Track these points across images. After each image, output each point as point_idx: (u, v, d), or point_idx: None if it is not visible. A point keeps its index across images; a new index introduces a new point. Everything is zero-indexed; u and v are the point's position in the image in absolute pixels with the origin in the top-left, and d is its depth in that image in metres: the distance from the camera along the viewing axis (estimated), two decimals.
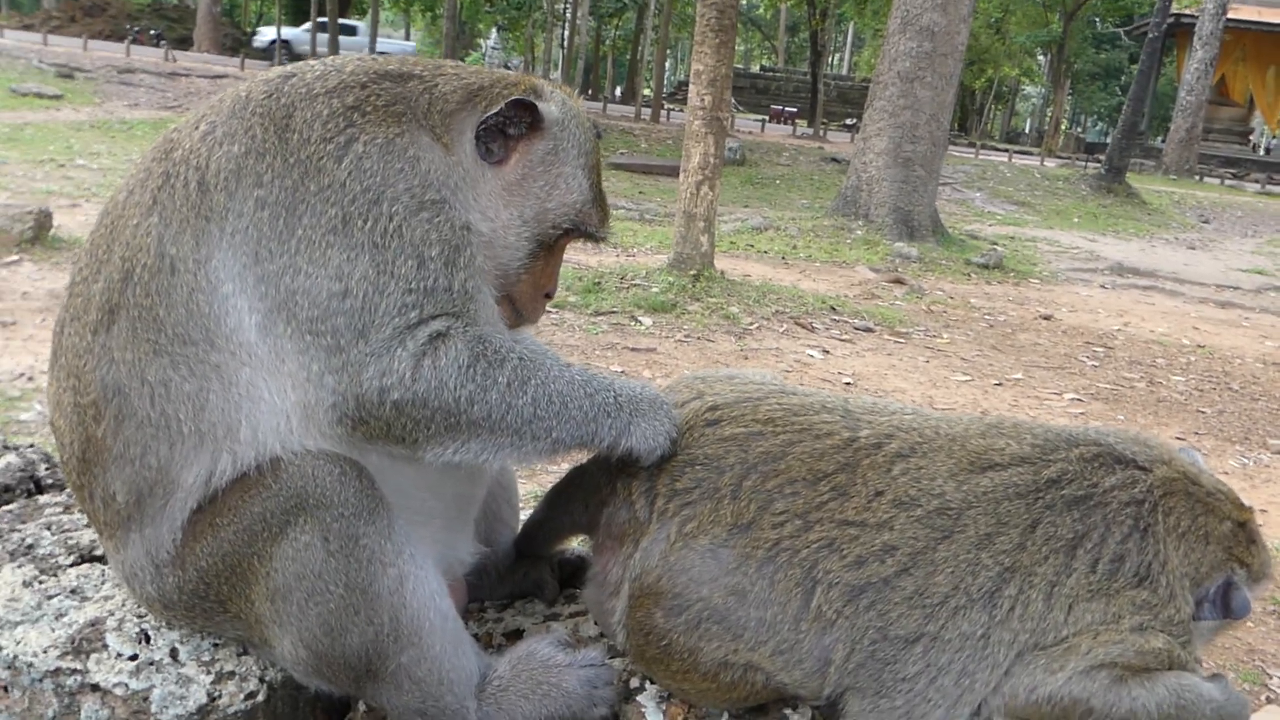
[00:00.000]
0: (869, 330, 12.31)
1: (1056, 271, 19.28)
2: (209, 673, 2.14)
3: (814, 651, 1.98)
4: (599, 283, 12.39)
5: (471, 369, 1.91)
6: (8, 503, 2.76)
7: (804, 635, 1.97)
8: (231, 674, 2.15)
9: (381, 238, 1.89)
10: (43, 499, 2.78)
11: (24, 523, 2.62)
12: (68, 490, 2.69)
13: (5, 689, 2.14)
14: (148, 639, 2.18)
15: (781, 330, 11.59)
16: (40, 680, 2.11)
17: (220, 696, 2.11)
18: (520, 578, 2.53)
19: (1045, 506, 2.07)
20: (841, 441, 2.11)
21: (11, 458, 2.95)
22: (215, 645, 2.19)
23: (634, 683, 2.17)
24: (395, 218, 1.90)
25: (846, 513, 2.02)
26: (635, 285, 12.54)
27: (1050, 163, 41.00)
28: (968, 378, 10.45)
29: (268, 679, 2.16)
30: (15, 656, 2.13)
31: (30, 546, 2.49)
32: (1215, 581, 2.17)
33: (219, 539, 1.95)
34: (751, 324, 11.61)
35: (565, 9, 52.60)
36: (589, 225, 2.22)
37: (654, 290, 12.27)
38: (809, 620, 1.97)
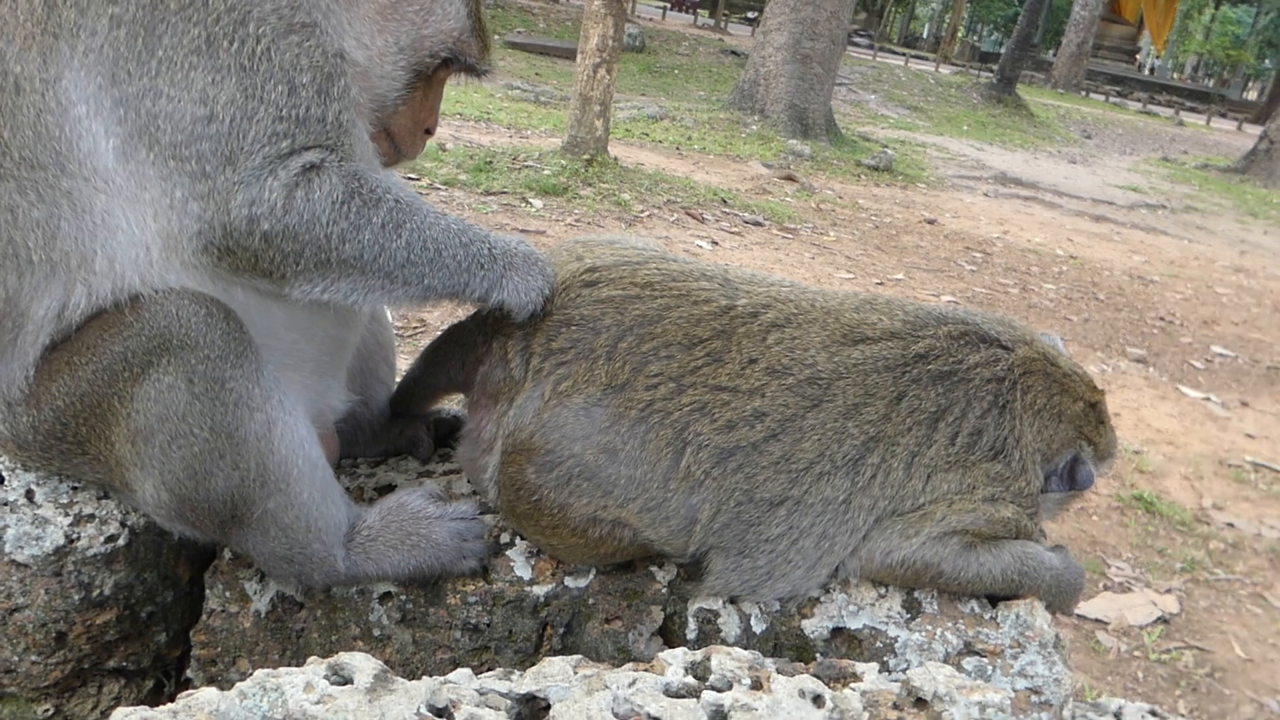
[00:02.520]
0: (758, 224, 12.39)
1: (943, 178, 19.64)
2: (67, 515, 2.09)
3: (681, 510, 2.01)
4: (490, 162, 12.13)
5: (346, 205, 1.85)
6: None
7: (672, 494, 2.00)
8: (91, 517, 2.10)
9: (249, 60, 1.78)
10: None
11: None
12: None
13: None
14: (1, 480, 2.11)
15: (672, 220, 11.57)
16: None
17: (78, 539, 2.06)
18: (395, 435, 2.51)
19: (911, 380, 2.13)
20: (719, 309, 2.12)
21: None
22: (74, 488, 2.13)
23: (504, 538, 2.19)
24: (263, 39, 1.79)
25: (719, 378, 2.04)
26: (527, 167, 12.33)
27: (945, 69, 41.38)
28: (851, 275, 10.65)
29: (129, 523, 2.11)
30: None
31: None
32: (1064, 457, 2.27)
33: (76, 378, 1.87)
34: (643, 212, 11.57)
35: None
36: (468, 55, 2.13)
37: (546, 173, 12.09)
38: (678, 479, 2.00)
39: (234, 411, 1.86)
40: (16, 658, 2.07)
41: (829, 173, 17.35)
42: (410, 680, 1.64)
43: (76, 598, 2.05)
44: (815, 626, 2.08)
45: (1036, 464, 2.22)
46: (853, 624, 2.08)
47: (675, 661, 1.71)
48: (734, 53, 32.14)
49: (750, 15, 47.80)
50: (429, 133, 2.19)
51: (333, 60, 1.88)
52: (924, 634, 2.04)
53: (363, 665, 1.61)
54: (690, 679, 1.68)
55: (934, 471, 2.11)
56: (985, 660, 2.01)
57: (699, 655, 1.74)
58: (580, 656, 1.71)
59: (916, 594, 2.15)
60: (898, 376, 2.12)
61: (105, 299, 1.85)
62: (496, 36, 28.17)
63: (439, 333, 2.45)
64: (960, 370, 2.16)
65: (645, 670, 1.68)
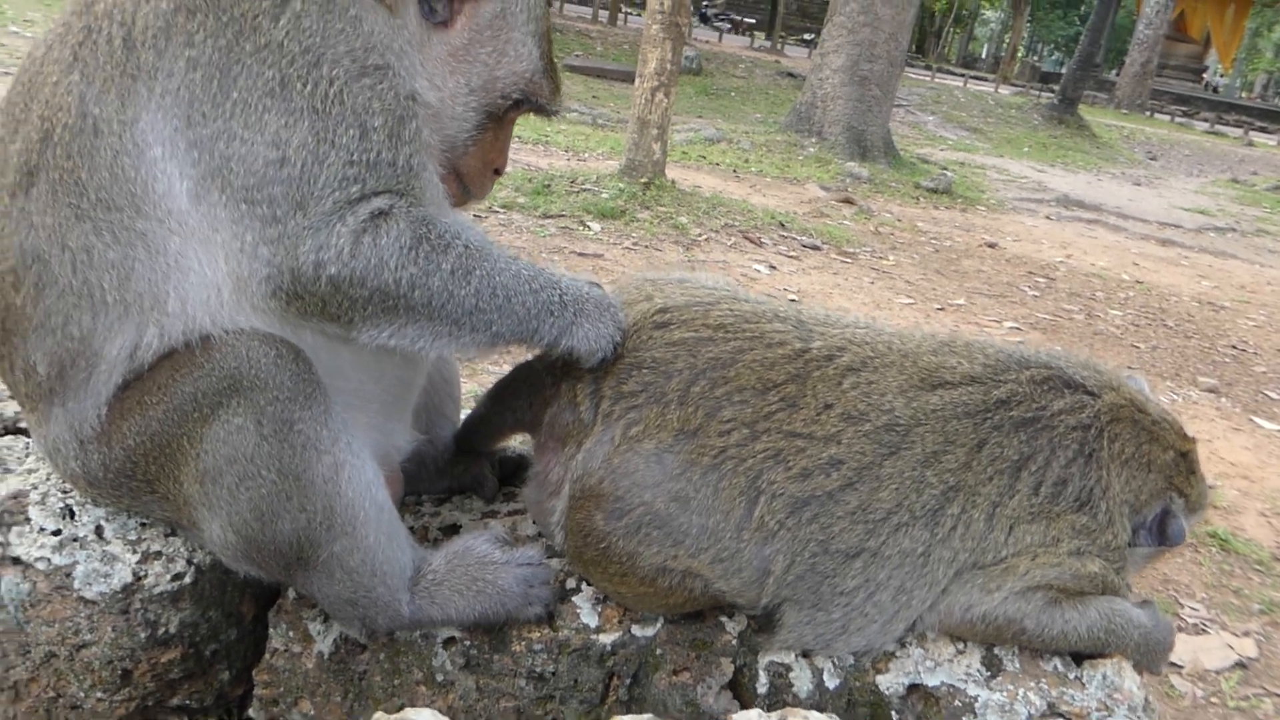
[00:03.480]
0: (816, 248, 12.30)
1: (1004, 200, 19.39)
2: (135, 552, 2.09)
3: (754, 561, 1.96)
4: (548, 185, 12.17)
5: (414, 251, 1.83)
6: None
7: (745, 544, 1.95)
8: (158, 554, 2.10)
9: (322, 103, 1.79)
10: None
11: None
12: None
13: None
14: (72, 515, 2.12)
15: (729, 243, 11.52)
16: None
17: (146, 576, 2.06)
18: (459, 473, 2.49)
19: (993, 427, 2.06)
20: (793, 351, 2.07)
21: None
22: (142, 525, 2.14)
23: (571, 584, 2.15)
24: (336, 82, 1.80)
25: (794, 424, 1.99)
26: (585, 190, 12.35)
27: (1005, 90, 40.94)
28: (911, 300, 10.52)
29: (195, 561, 2.11)
30: None
31: None
32: (1154, 509, 2.18)
33: (147, 417, 1.88)
34: (700, 235, 11.53)
35: None
36: (539, 96, 2.13)
37: (604, 196, 12.10)
38: (751, 529, 1.95)
39: (302, 454, 1.85)
40: (83, 694, 2.07)
41: (887, 195, 17.20)
42: None
43: (143, 635, 2.05)
44: (890, 682, 2.01)
45: (1124, 516, 2.13)
46: (930, 681, 2.01)
47: None
48: (791, 75, 32.09)
49: (807, 37, 47.73)
50: (498, 173, 2.19)
51: (405, 103, 1.87)
52: (1005, 694, 1.97)
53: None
54: None
55: (1017, 523, 2.03)
56: None
57: (774, 718, 1.68)
58: (650, 716, 1.66)
59: (997, 650, 2.07)
60: (978, 423, 2.05)
61: (177, 339, 1.86)
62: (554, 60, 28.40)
63: (506, 370, 2.43)
64: (1044, 417, 2.09)
65: None
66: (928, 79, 38.56)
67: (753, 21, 50.90)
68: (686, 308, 2.15)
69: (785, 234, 12.51)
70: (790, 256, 11.50)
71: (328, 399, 1.90)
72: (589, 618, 2.08)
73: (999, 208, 18.48)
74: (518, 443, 2.59)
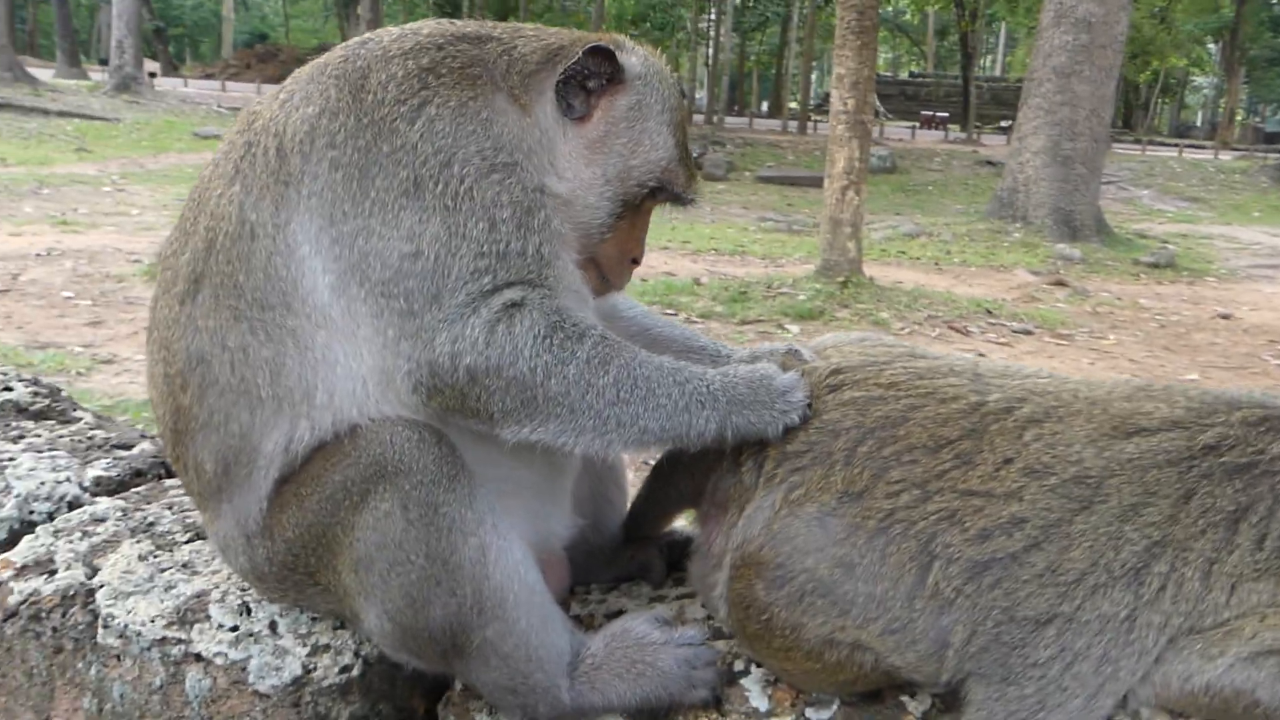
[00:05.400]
0: (1028, 333, 11.81)
1: (1235, 269, 18.14)
2: (305, 645, 2.12)
3: (929, 632, 1.79)
4: (744, 292, 12.24)
5: (548, 339, 1.82)
6: (139, 486, 2.83)
7: (918, 614, 1.78)
8: (327, 647, 2.12)
9: (452, 200, 1.83)
10: (168, 482, 2.84)
11: (149, 503, 2.68)
12: None
13: (118, 658, 2.18)
14: (249, 611, 2.18)
15: (934, 335, 11.21)
16: (148, 649, 2.14)
17: (315, 669, 2.08)
18: (627, 560, 2.42)
19: (1201, 475, 1.82)
20: (968, 406, 1.92)
21: (146, 445, 3.04)
22: (313, 619, 2.17)
23: (739, 665, 2.02)
24: (466, 179, 1.85)
25: (970, 482, 1.83)
26: (782, 293, 12.34)
27: (1225, 155, 38.67)
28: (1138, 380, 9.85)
29: (363, 654, 2.12)
30: (126, 625, 2.17)
31: (151, 524, 2.54)
32: None
33: (304, 509, 1.92)
34: (902, 329, 11.27)
35: (708, 27, 52.65)
36: (675, 185, 2.12)
37: (801, 298, 12.05)
38: (924, 598, 1.78)
39: (448, 537, 1.84)
40: None
41: (1103, 274, 16.40)
42: None
43: None
44: None
45: None
46: None
47: None
48: (989, 163, 31.45)
49: (1004, 124, 46.74)
50: (635, 262, 2.18)
51: (532, 195, 1.90)
52: None
53: None
54: None
55: (1239, 581, 1.78)
56: None
57: None
58: None
59: None
60: (1183, 472, 1.82)
61: (326, 432, 1.90)
62: (747, 173, 28.94)
63: None
64: (1262, 462, 1.83)
65: None
66: (1138, 152, 36.96)
67: (945, 115, 50.39)
68: (860, 368, 2.04)
69: (994, 321, 12.07)
70: (1000, 344, 11.06)
71: (472, 481, 1.89)
72: (759, 701, 1.93)
73: (1231, 277, 17.30)
74: (687, 525, 2.51)
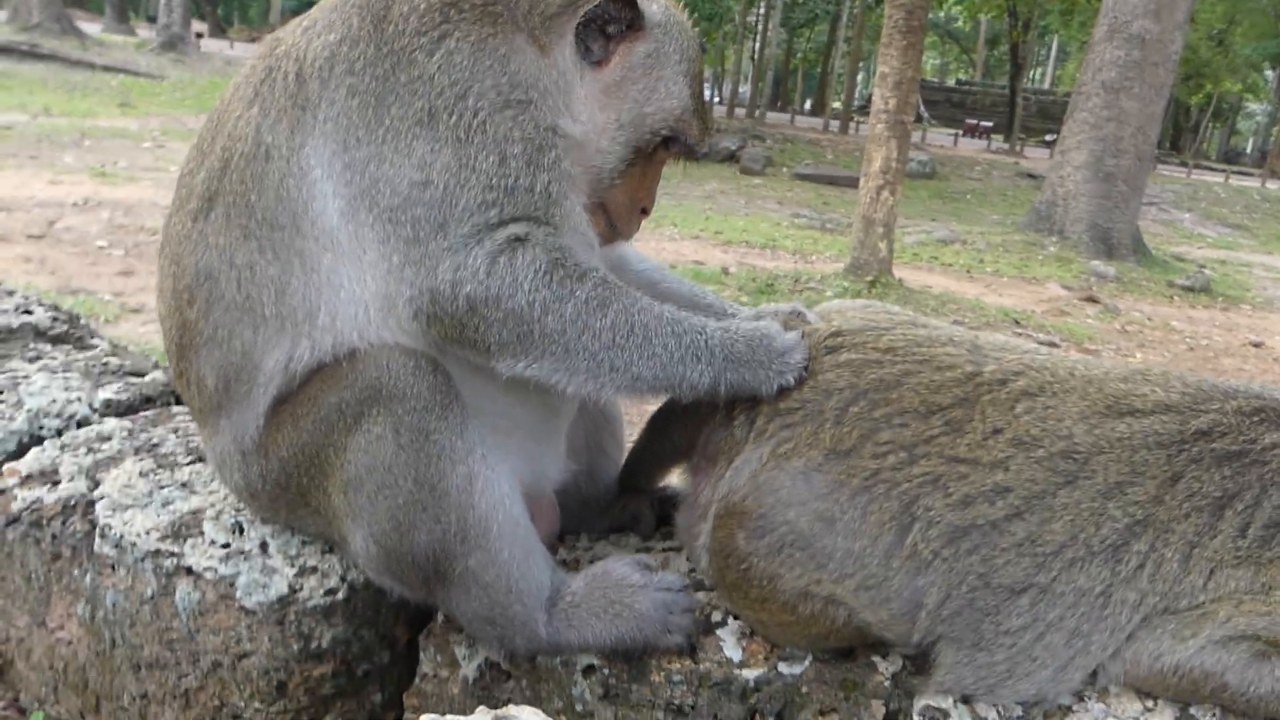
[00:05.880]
0: (1054, 345, 11.69)
1: (1272, 299, 17.88)
2: (293, 566, 2.16)
3: (904, 592, 1.80)
4: (771, 285, 12.20)
5: (549, 275, 1.85)
6: (147, 411, 2.88)
7: (894, 573, 1.79)
8: (314, 569, 2.16)
9: (465, 132, 1.86)
10: (176, 409, 2.89)
11: (155, 426, 2.74)
12: None
13: (113, 567, 2.23)
14: (241, 530, 2.23)
15: None
16: (142, 560, 2.19)
17: (301, 589, 2.12)
18: (619, 511, 2.44)
19: (1190, 459, 1.82)
20: (963, 375, 1.92)
21: (158, 374, 3.09)
22: (303, 542, 2.21)
23: (716, 616, 2.04)
24: (480, 113, 1.87)
25: (958, 449, 1.83)
26: (809, 288, 12.28)
27: (1273, 184, 38.11)
28: None
29: (349, 579, 2.15)
30: (122, 536, 2.22)
31: (155, 445, 2.60)
32: None
33: (299, 428, 1.95)
34: None
35: (757, 21, 52.36)
36: (688, 135, 2.13)
37: (828, 295, 11.98)
38: (902, 557, 1.79)
39: (436, 463, 1.86)
40: (243, 704, 2.13)
41: (1136, 294, 16.21)
42: None
43: (296, 647, 2.09)
44: None
45: None
46: None
47: None
48: (1030, 175, 31.15)
49: (1048, 138, 46.27)
50: (645, 212, 2.19)
51: (544, 134, 1.92)
52: None
53: (528, 718, 1.52)
54: None
55: (1219, 566, 1.78)
56: None
57: None
58: None
59: (1194, 711, 1.80)
60: (1173, 454, 1.82)
61: (326, 353, 1.94)
62: (785, 169, 28.80)
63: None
64: (1253, 451, 1.83)
65: None
66: (1183, 175, 36.49)
67: (990, 125, 49.93)
68: (860, 331, 2.05)
69: (1020, 331, 11.98)
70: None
71: (465, 411, 1.92)
72: (733, 651, 1.95)
73: (1267, 306, 17.05)
74: (679, 483, 2.53)
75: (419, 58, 1.89)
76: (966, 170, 32.19)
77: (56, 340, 3.28)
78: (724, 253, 15.02)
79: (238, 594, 2.10)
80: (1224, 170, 43.48)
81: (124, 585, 2.21)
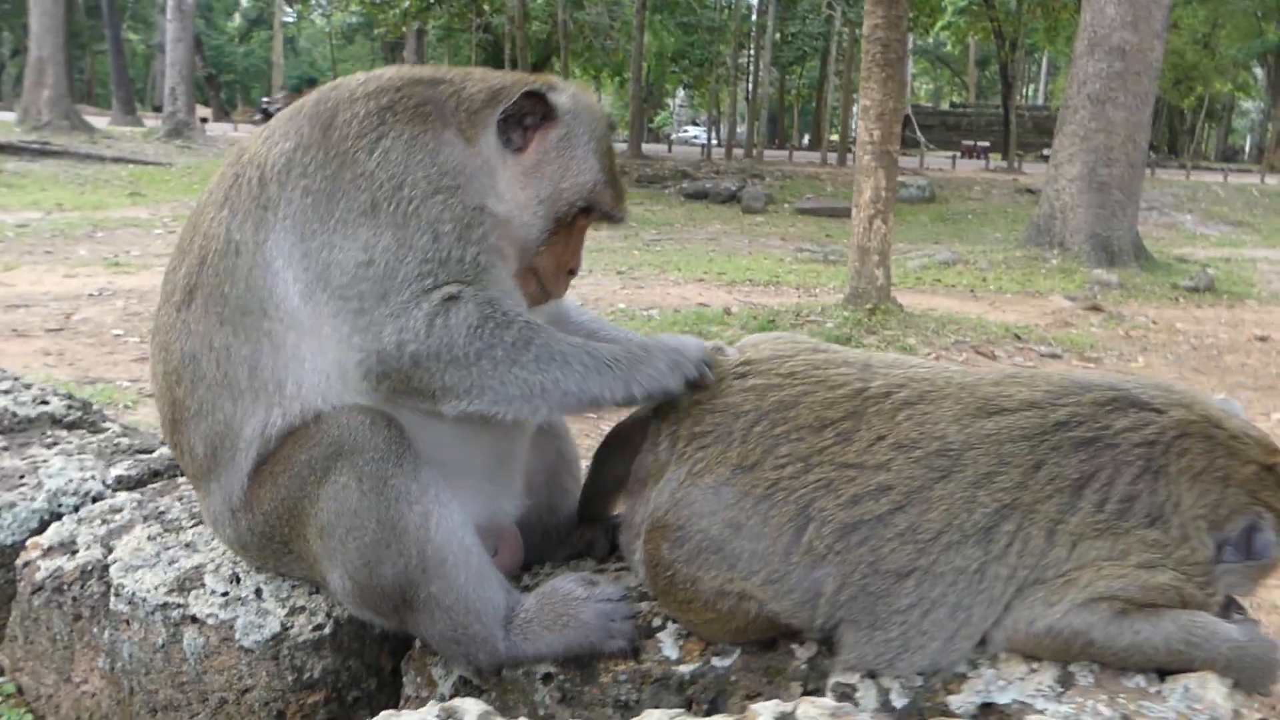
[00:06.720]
0: (1055, 356, 11.84)
1: (1277, 292, 17.93)
2: (284, 607, 2.44)
3: (804, 583, 2.05)
4: (773, 320, 12.40)
5: (480, 328, 2.12)
6: (155, 483, 3.17)
7: (794, 567, 2.04)
8: (303, 609, 2.43)
9: (402, 217, 2.15)
10: (181, 479, 3.17)
11: (162, 496, 3.03)
12: None
13: (127, 622, 2.50)
14: (238, 580, 2.51)
15: (960, 359, 11.28)
16: (152, 613, 2.47)
17: (292, 627, 2.39)
18: (577, 539, 2.70)
19: (1051, 448, 2.07)
20: (852, 391, 2.18)
21: (165, 450, 3.38)
22: (293, 586, 2.49)
23: (657, 622, 2.28)
24: (414, 200, 2.16)
25: (847, 456, 2.09)
26: (811, 321, 12.47)
27: (1271, 179, 38.15)
28: None
29: (335, 615, 2.42)
30: (134, 593, 2.51)
31: (162, 513, 2.89)
32: (1238, 525, 2.09)
33: (277, 485, 2.23)
34: (929, 354, 11.35)
35: (748, 62, 53.07)
36: (603, 205, 2.42)
37: (829, 325, 12.16)
38: (800, 553, 2.04)
39: (395, 505, 2.14)
40: None
41: (1141, 299, 16.33)
42: None
43: (290, 679, 2.35)
44: (962, 702, 2.00)
45: (1202, 531, 2.05)
46: (1001, 699, 1.98)
47: (766, 713, 1.74)
48: (1030, 191, 31.36)
49: (1045, 152, 46.48)
50: (572, 273, 2.49)
51: (472, 213, 2.22)
52: (1074, 705, 1.91)
53: (471, 708, 1.77)
54: None
55: (1080, 539, 2.01)
56: None
57: (789, 706, 1.75)
58: (680, 710, 1.78)
59: (1073, 668, 2.02)
60: (1035, 445, 2.07)
61: (295, 418, 2.23)
62: (786, 205, 29.15)
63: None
64: (1106, 436, 2.08)
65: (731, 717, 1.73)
66: (1182, 177, 36.62)
67: (986, 145, 50.23)
68: (766, 359, 2.31)
69: (1022, 345, 12.13)
70: (1028, 367, 11.12)
71: (417, 458, 2.19)
72: (670, 651, 2.19)
73: (1273, 300, 17.12)
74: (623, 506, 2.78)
75: (361, 157, 2.19)
76: (966, 191, 32.47)
77: (72, 426, 3.60)
78: (727, 293, 15.26)
79: (237, 635, 2.37)
80: (1222, 169, 43.57)
81: (138, 637, 2.48)
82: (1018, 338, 12.46)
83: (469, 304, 2.13)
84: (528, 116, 2.34)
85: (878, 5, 12.23)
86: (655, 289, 14.68)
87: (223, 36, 67.87)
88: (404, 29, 37.65)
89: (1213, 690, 1.91)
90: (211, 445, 2.30)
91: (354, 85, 2.34)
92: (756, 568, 2.07)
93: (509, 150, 2.34)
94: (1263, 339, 13.54)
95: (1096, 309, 15.02)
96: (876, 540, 2.02)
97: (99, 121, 38.43)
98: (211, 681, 2.39)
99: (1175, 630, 1.97)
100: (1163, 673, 2.01)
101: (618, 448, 2.47)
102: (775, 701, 1.78)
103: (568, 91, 2.43)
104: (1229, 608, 2.19)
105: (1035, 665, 2.05)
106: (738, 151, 46.07)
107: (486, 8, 37.21)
